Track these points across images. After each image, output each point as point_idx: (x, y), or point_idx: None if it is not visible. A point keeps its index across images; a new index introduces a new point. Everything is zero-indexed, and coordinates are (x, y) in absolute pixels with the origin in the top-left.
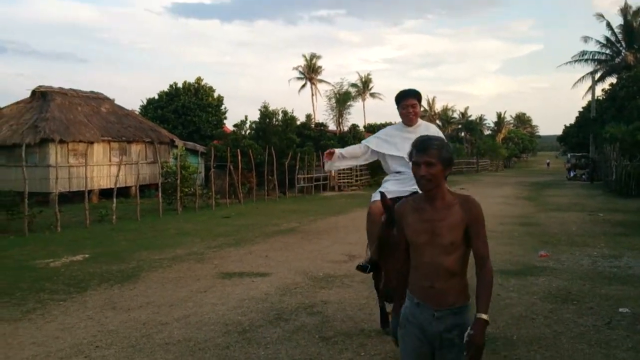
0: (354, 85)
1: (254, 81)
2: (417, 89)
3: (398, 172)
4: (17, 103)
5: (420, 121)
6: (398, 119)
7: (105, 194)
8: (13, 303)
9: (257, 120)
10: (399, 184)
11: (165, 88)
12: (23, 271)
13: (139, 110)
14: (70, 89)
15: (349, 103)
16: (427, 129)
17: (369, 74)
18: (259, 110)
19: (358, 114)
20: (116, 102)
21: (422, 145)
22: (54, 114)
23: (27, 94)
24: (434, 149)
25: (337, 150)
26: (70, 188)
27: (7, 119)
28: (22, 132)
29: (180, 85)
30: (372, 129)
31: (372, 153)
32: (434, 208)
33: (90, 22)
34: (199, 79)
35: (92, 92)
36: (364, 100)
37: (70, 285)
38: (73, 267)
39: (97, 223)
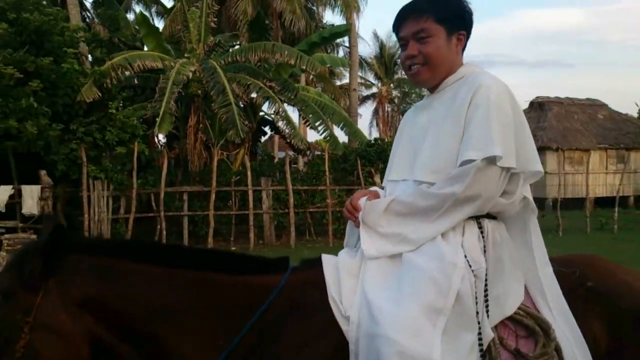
0: None
1: None
2: None
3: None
4: None
5: (462, 71)
6: None
7: (600, 202)
8: None
9: None
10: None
11: None
12: None
13: (638, 114)
14: (567, 97)
15: None
16: (477, 84)
17: None
18: None
19: None
20: (610, 106)
21: None
22: (551, 123)
23: (524, 104)
24: None
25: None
26: (565, 195)
27: None
28: None
29: None
30: None
31: None
32: None
33: (574, 26)
34: None
35: (587, 99)
36: None
37: None
38: None
39: (596, 231)
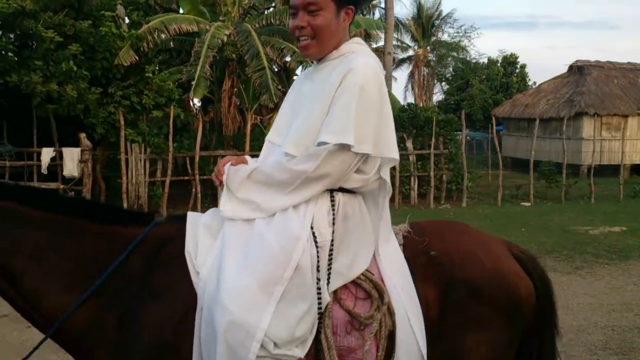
0: None
1: None
2: None
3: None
4: (555, 78)
5: (344, 48)
6: None
7: (638, 170)
8: (562, 259)
9: None
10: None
11: None
12: (565, 234)
13: None
14: (607, 61)
15: None
16: (348, 68)
17: None
18: None
19: None
20: None
21: None
22: (590, 88)
23: (560, 67)
24: None
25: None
26: (601, 161)
27: (545, 93)
28: (557, 106)
29: None
30: None
31: None
32: None
33: None
34: None
35: (629, 63)
36: None
37: (611, 252)
38: (611, 237)
39: (630, 198)
